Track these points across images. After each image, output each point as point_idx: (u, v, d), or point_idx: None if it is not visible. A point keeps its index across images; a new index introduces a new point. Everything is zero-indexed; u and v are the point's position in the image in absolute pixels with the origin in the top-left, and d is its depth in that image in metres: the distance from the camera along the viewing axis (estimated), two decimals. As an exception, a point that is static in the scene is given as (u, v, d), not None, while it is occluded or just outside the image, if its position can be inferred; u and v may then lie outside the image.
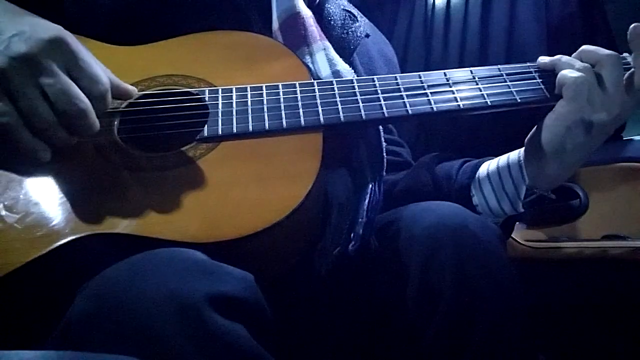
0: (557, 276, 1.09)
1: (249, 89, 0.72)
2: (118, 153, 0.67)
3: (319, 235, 0.69)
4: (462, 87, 0.75)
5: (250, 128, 0.68)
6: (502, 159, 0.82)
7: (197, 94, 0.72)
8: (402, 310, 0.66)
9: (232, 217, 0.61)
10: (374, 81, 0.74)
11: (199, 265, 0.54)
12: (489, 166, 0.83)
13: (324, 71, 0.80)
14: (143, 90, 0.72)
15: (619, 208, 1.11)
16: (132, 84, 0.72)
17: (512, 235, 1.10)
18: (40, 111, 0.59)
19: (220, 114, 0.69)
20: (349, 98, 0.72)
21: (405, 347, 0.66)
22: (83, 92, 0.61)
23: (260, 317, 0.55)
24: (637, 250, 1.02)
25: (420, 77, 0.75)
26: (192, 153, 0.67)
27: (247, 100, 0.70)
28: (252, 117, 0.69)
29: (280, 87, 0.72)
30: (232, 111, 0.69)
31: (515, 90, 0.75)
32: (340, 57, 0.83)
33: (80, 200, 0.62)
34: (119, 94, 0.67)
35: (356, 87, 0.73)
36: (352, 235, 0.68)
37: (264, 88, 0.72)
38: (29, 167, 0.63)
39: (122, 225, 0.60)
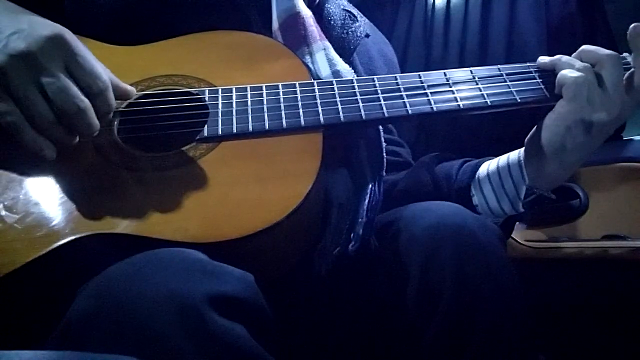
0: (557, 276, 1.09)
1: (248, 89, 0.72)
2: (118, 153, 0.67)
3: (319, 235, 0.69)
4: (462, 87, 0.75)
5: (250, 128, 0.68)
6: (502, 159, 0.82)
7: (197, 94, 0.72)
8: (402, 310, 0.66)
9: (232, 217, 0.61)
10: (373, 81, 0.74)
11: (199, 265, 0.54)
12: (489, 166, 0.83)
13: (324, 71, 0.80)
14: (143, 90, 0.72)
15: (619, 208, 1.12)
16: (132, 84, 0.72)
17: (512, 235, 1.10)
18: (39, 110, 0.59)
19: (220, 114, 0.69)
20: (349, 98, 0.72)
21: (405, 347, 0.66)
22: (83, 90, 0.61)
23: (260, 317, 0.55)
24: (637, 250, 1.02)
25: (420, 77, 0.75)
26: (192, 153, 0.67)
27: (247, 100, 0.70)
28: (252, 117, 0.69)
29: (280, 87, 0.72)
30: (232, 111, 0.69)
31: (515, 90, 0.75)
32: (340, 57, 0.83)
33: (80, 201, 0.62)
34: (117, 94, 0.67)
35: (356, 87, 0.73)
36: (352, 235, 0.68)
37: (263, 88, 0.72)
38: (33, 166, 0.63)
39: (122, 225, 0.60)
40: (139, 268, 0.53)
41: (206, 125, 0.69)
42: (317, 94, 0.72)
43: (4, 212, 0.60)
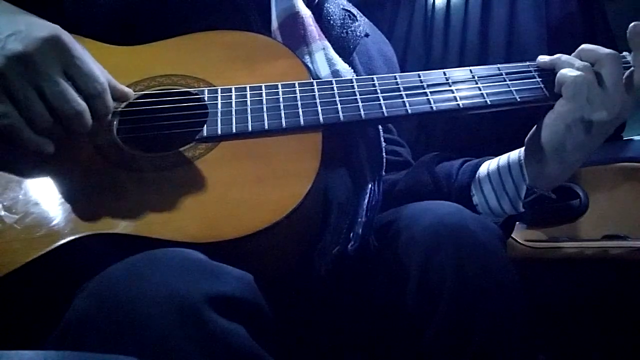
0: (557, 276, 1.09)
1: (248, 89, 0.72)
2: (118, 153, 0.67)
3: (319, 235, 0.69)
4: (462, 86, 0.75)
5: (250, 128, 0.68)
6: (503, 159, 0.82)
7: (197, 94, 0.72)
8: (402, 310, 0.66)
9: (231, 217, 0.61)
10: (373, 81, 0.74)
11: (198, 266, 0.54)
12: (489, 166, 0.83)
13: (323, 71, 0.80)
14: (142, 90, 0.72)
15: (619, 208, 1.11)
16: (131, 84, 0.72)
17: (512, 235, 1.10)
18: (37, 112, 0.60)
19: (219, 114, 0.69)
20: (348, 98, 0.72)
21: (405, 347, 0.66)
22: (79, 91, 0.61)
23: (259, 317, 0.55)
24: (637, 250, 1.01)
25: (419, 77, 0.75)
26: (191, 153, 0.67)
27: (246, 100, 0.70)
28: (251, 117, 0.69)
29: (280, 86, 0.72)
30: (231, 111, 0.69)
31: (515, 90, 0.75)
32: (340, 56, 0.83)
33: (80, 201, 0.62)
34: (115, 95, 0.67)
35: (355, 86, 0.73)
36: (351, 235, 0.68)
37: (263, 88, 0.72)
38: (32, 167, 0.63)
39: (121, 226, 0.60)
40: (139, 268, 0.53)
41: (205, 125, 0.69)
42: (317, 93, 0.72)
43: (3, 212, 0.60)
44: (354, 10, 0.97)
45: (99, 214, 0.61)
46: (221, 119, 0.69)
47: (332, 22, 0.90)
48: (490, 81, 0.75)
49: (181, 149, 0.67)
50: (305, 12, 0.85)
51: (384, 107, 0.72)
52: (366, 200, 0.71)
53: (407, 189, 0.86)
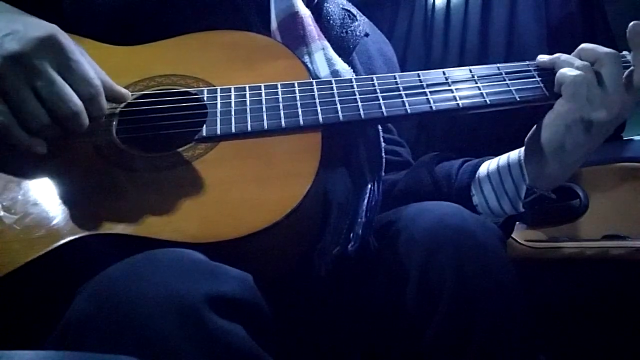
0: (557, 276, 1.09)
1: (247, 89, 0.71)
2: (117, 153, 0.67)
3: (318, 235, 0.69)
4: (461, 86, 0.75)
5: (249, 128, 0.68)
6: (502, 159, 0.82)
7: (196, 94, 0.72)
8: (402, 311, 0.66)
9: (231, 217, 0.61)
10: (372, 80, 0.74)
11: (198, 266, 0.54)
12: (489, 166, 0.82)
13: (323, 71, 0.80)
14: (141, 90, 0.72)
15: (619, 208, 1.11)
16: (130, 84, 0.72)
17: (512, 235, 1.10)
18: (33, 112, 0.60)
19: (218, 114, 0.69)
20: (348, 97, 0.72)
21: (405, 347, 0.66)
22: (73, 92, 0.61)
23: (259, 317, 0.55)
24: (638, 250, 1.01)
25: (419, 77, 0.75)
26: (190, 153, 0.67)
27: (245, 100, 0.70)
28: (250, 116, 0.69)
29: (279, 86, 0.72)
30: (230, 111, 0.69)
31: (515, 89, 0.74)
32: (339, 56, 0.83)
33: (79, 201, 0.62)
34: (112, 97, 0.67)
35: (355, 86, 0.73)
36: (351, 235, 0.68)
37: (262, 88, 0.72)
38: (31, 167, 0.63)
39: (121, 226, 0.60)
40: (138, 268, 0.53)
41: (205, 125, 0.69)
42: (316, 93, 0.72)
43: (2, 213, 0.60)
44: (354, 10, 0.97)
45: (98, 215, 0.61)
46: (220, 119, 0.69)
47: (331, 21, 0.90)
48: (489, 81, 0.75)
49: (180, 149, 0.67)
50: (305, 12, 0.85)
51: (383, 107, 0.72)
52: (366, 201, 0.71)
53: (407, 189, 0.86)
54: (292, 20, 0.83)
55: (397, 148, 0.96)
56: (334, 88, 0.73)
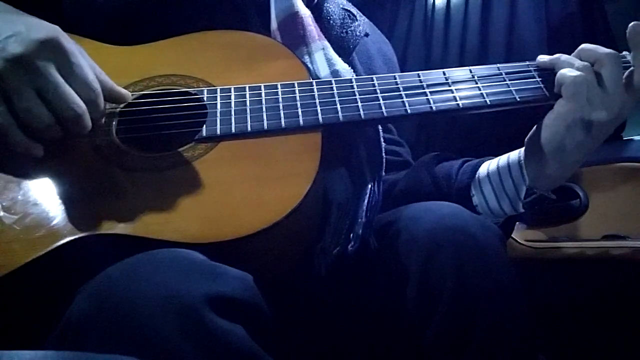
0: (557, 276, 1.09)
1: (247, 89, 0.71)
2: (117, 153, 0.67)
3: (318, 235, 0.69)
4: (461, 86, 0.75)
5: (249, 128, 0.68)
6: (502, 159, 0.82)
7: (196, 94, 0.72)
8: (402, 311, 0.66)
9: (230, 218, 0.61)
10: (372, 80, 0.74)
11: (198, 266, 0.54)
12: (489, 166, 0.83)
13: (323, 71, 0.80)
14: (142, 91, 0.72)
15: (619, 208, 1.11)
16: (130, 84, 0.72)
17: (512, 235, 1.10)
18: (37, 113, 0.60)
19: (218, 114, 0.69)
20: (347, 98, 0.72)
21: (405, 347, 0.66)
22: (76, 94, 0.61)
23: (259, 317, 0.55)
24: (638, 250, 1.01)
25: (419, 77, 0.75)
26: (190, 153, 0.67)
27: (245, 100, 0.70)
28: (250, 117, 0.69)
29: (279, 86, 0.72)
30: (230, 111, 0.69)
31: (515, 89, 0.74)
32: (340, 56, 0.83)
33: (79, 201, 0.62)
34: (112, 97, 0.67)
35: (355, 86, 0.73)
36: (351, 235, 0.68)
37: (262, 88, 0.72)
38: (31, 167, 0.63)
39: (121, 226, 0.60)
40: (138, 268, 0.53)
41: (205, 125, 0.69)
42: (316, 93, 0.72)
43: (2, 213, 0.60)
44: (354, 10, 0.97)
45: (98, 215, 0.61)
46: (220, 119, 0.69)
47: (331, 22, 0.90)
48: (490, 81, 0.75)
49: (180, 149, 0.67)
50: (305, 12, 0.85)
51: (383, 107, 0.72)
52: (366, 201, 0.71)
53: (407, 189, 0.86)
54: (292, 20, 0.83)
55: (397, 148, 0.96)
56: (334, 88, 0.73)
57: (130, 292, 0.50)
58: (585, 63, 0.73)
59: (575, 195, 1.13)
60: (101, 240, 0.59)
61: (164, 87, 0.73)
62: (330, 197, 0.72)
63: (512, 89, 0.74)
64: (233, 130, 0.68)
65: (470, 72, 0.76)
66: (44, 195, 0.62)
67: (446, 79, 0.75)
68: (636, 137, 1.20)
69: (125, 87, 0.70)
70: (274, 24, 0.84)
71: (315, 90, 0.72)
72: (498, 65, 0.77)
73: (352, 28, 0.92)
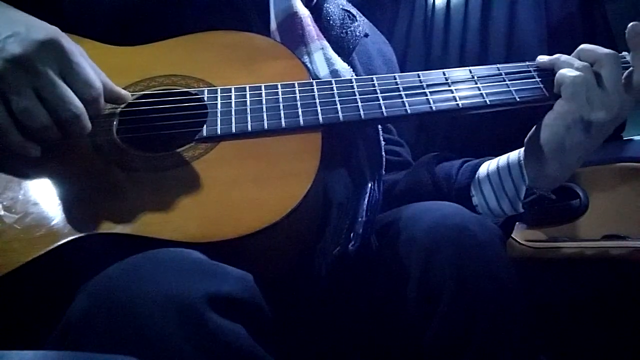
0: (557, 276, 1.09)
1: (247, 89, 0.72)
2: (117, 153, 0.67)
3: (319, 235, 0.69)
4: (461, 86, 0.75)
5: (249, 128, 0.68)
6: (502, 159, 0.82)
7: (196, 94, 0.72)
8: (402, 311, 0.66)
9: (231, 217, 0.61)
10: (372, 81, 0.74)
11: (198, 266, 0.54)
12: (488, 166, 0.83)
13: (322, 70, 0.80)
14: (142, 91, 0.72)
15: (619, 208, 1.11)
16: (130, 85, 0.72)
17: (512, 235, 1.10)
18: (35, 113, 0.60)
19: (219, 114, 0.69)
20: (348, 98, 0.72)
21: (405, 347, 0.66)
22: (75, 94, 0.61)
23: (259, 317, 0.55)
24: (638, 250, 1.01)
25: (419, 77, 0.75)
26: (190, 153, 0.67)
27: (246, 100, 0.70)
28: (250, 117, 0.69)
29: (279, 86, 0.72)
30: (230, 111, 0.70)
31: (514, 90, 0.75)
32: (339, 56, 0.83)
33: (80, 201, 0.62)
34: (112, 98, 0.67)
35: (355, 86, 0.73)
36: (351, 234, 0.68)
37: (262, 88, 0.72)
38: (32, 167, 0.63)
39: (121, 225, 0.60)
40: (138, 268, 0.53)
41: (205, 125, 0.69)
42: (316, 93, 0.72)
43: (3, 212, 0.60)
44: (354, 11, 0.97)
45: (98, 214, 0.61)
46: (221, 119, 0.69)
47: (331, 22, 0.90)
48: (489, 81, 0.75)
49: (181, 149, 0.67)
50: (304, 12, 0.85)
51: (383, 107, 0.72)
52: (366, 200, 0.71)
53: (407, 189, 0.86)
54: (291, 20, 0.83)
55: (397, 148, 0.96)
56: (334, 88, 0.73)
57: (131, 292, 0.50)
58: (585, 63, 0.73)
59: (575, 195, 1.13)
60: (101, 240, 0.59)
61: (164, 87, 0.73)
62: (330, 197, 0.72)
63: (511, 89, 0.75)
64: (233, 130, 0.68)
65: (470, 72, 0.77)
66: (44, 194, 0.62)
67: (446, 79, 0.75)
68: (636, 137, 1.20)
69: (125, 88, 0.70)
70: (273, 25, 0.84)
71: (315, 90, 0.72)
72: (498, 65, 0.77)
73: (352, 28, 0.92)
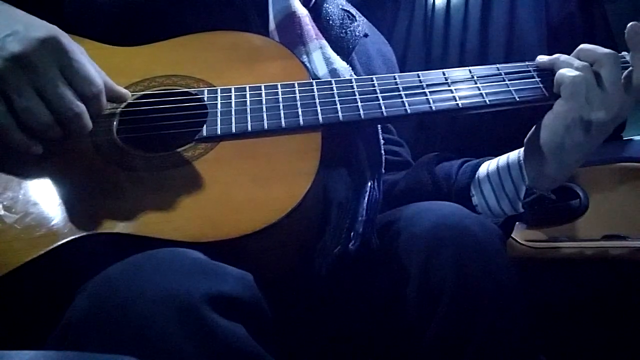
0: (557, 276, 1.09)
1: (247, 89, 0.72)
2: (117, 153, 0.67)
3: (319, 234, 0.69)
4: (461, 86, 0.75)
5: (249, 128, 0.68)
6: (502, 159, 0.82)
7: (196, 94, 0.72)
8: (402, 310, 0.66)
9: (231, 217, 0.61)
10: (372, 81, 0.74)
11: (198, 265, 0.54)
12: (488, 166, 0.83)
13: (321, 70, 0.80)
14: (142, 91, 0.72)
15: (619, 208, 1.11)
16: (130, 85, 0.72)
17: (512, 235, 1.10)
18: (36, 112, 0.60)
19: (219, 114, 0.69)
20: (347, 98, 0.72)
21: (405, 347, 0.66)
22: (76, 92, 0.61)
23: (259, 316, 0.55)
24: (638, 250, 1.01)
25: (419, 77, 0.75)
26: (190, 153, 0.67)
27: (246, 100, 0.71)
28: (250, 117, 0.69)
29: (279, 86, 0.72)
30: (230, 111, 0.70)
31: (514, 89, 0.75)
32: (339, 56, 0.83)
33: (80, 200, 0.62)
34: (112, 97, 0.67)
35: (355, 86, 0.73)
36: (352, 234, 0.68)
37: (262, 88, 0.72)
38: (32, 166, 0.63)
39: (121, 225, 0.60)
40: (138, 268, 0.53)
41: (205, 125, 0.69)
42: (316, 93, 0.72)
43: (3, 212, 0.60)
44: (353, 11, 0.97)
45: (98, 214, 0.61)
46: (221, 119, 0.69)
47: (331, 22, 0.91)
48: (489, 81, 0.75)
49: (181, 149, 0.67)
50: (302, 12, 0.85)
51: (383, 107, 0.72)
52: (366, 199, 0.71)
53: (407, 189, 0.86)
54: (289, 20, 0.83)
55: (397, 148, 0.96)
56: (334, 88, 0.73)
57: (131, 292, 0.50)
58: (585, 63, 0.73)
59: (575, 195, 1.13)
60: (101, 240, 0.59)
61: (164, 88, 0.73)
62: (330, 197, 0.72)
63: (511, 89, 0.75)
64: (233, 130, 0.68)
65: (470, 72, 0.77)
66: (44, 194, 0.62)
67: (446, 79, 0.75)
68: (636, 137, 1.20)
69: (125, 88, 0.70)
70: (272, 24, 0.84)
71: (315, 90, 0.72)
72: (497, 65, 0.77)
73: (352, 28, 0.92)
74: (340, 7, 0.95)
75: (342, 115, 0.70)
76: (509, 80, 0.76)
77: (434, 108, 0.73)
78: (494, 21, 1.31)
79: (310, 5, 0.91)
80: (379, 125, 0.78)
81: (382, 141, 0.77)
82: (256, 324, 0.53)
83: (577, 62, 0.73)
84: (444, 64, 1.31)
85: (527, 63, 0.78)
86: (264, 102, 0.70)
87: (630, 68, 0.73)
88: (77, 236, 0.59)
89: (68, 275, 0.56)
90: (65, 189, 0.63)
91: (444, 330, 0.63)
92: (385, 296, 0.68)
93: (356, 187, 0.73)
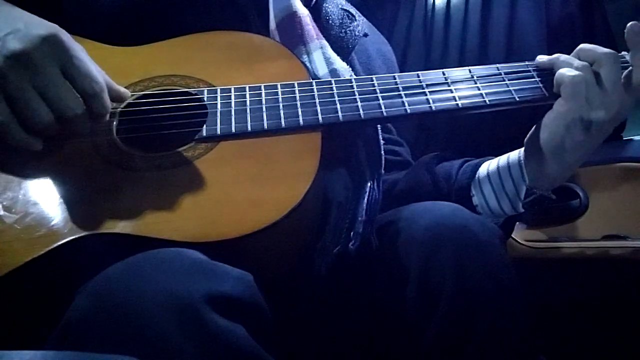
0: (557, 276, 1.09)
1: (247, 89, 0.72)
2: (117, 153, 0.67)
3: (319, 234, 0.69)
4: (461, 86, 0.75)
5: (249, 128, 0.68)
6: (502, 159, 0.82)
7: (196, 94, 0.72)
8: (402, 310, 0.66)
9: (231, 217, 0.61)
10: (372, 80, 0.74)
11: (198, 265, 0.54)
12: (489, 166, 0.83)
13: (321, 70, 0.80)
14: (142, 91, 0.72)
15: (619, 208, 1.11)
16: (130, 85, 0.72)
17: (512, 235, 1.10)
18: (37, 111, 0.60)
19: (219, 114, 0.69)
20: (347, 97, 0.72)
21: (405, 347, 0.66)
22: (77, 90, 0.61)
23: (259, 316, 0.55)
24: (638, 250, 1.01)
25: (418, 77, 0.75)
26: (190, 153, 0.67)
27: (245, 100, 0.71)
28: (250, 116, 0.69)
29: (279, 86, 0.72)
30: (230, 111, 0.70)
31: (514, 89, 0.75)
32: (339, 55, 0.83)
33: (80, 201, 0.62)
34: (112, 96, 0.67)
35: (355, 86, 0.73)
36: (351, 234, 0.68)
37: (262, 88, 0.72)
38: (32, 166, 0.63)
39: (121, 225, 0.60)
40: (138, 268, 0.53)
41: (205, 125, 0.69)
42: (316, 93, 0.72)
43: (3, 212, 0.60)
44: (353, 10, 0.97)
45: (98, 214, 0.61)
46: (220, 119, 0.69)
47: (330, 22, 0.91)
48: (489, 81, 0.75)
49: (180, 149, 0.67)
50: (303, 12, 0.85)
51: (383, 107, 0.72)
52: (366, 199, 0.71)
53: (407, 189, 0.86)
54: (290, 20, 0.83)
55: (397, 148, 0.96)
56: (334, 88, 0.73)
57: (131, 292, 0.50)
58: (584, 63, 0.73)
59: (575, 195, 1.13)
60: (101, 240, 0.59)
61: (164, 88, 0.73)
62: (330, 197, 0.72)
63: (511, 88, 0.75)
64: (233, 130, 0.68)
65: (470, 72, 0.77)
66: (44, 194, 0.62)
67: (445, 79, 0.75)
68: (636, 137, 1.20)
69: (125, 88, 0.70)
70: (272, 24, 0.84)
71: (315, 90, 0.72)
72: (497, 65, 0.77)
73: (351, 28, 0.92)
74: (340, 6, 0.95)
75: (342, 115, 0.70)
76: (509, 80, 0.76)
77: (433, 108, 0.73)
78: (494, 21, 1.31)
79: (312, 5, 0.91)
80: (379, 125, 0.78)
81: (382, 141, 0.77)
82: (256, 324, 0.53)
83: (577, 62, 0.73)
84: (444, 64, 1.31)
85: (527, 63, 0.78)
86: (263, 102, 0.70)
87: (630, 68, 0.73)
88: (77, 236, 0.59)
89: (68, 275, 0.56)
90: (65, 189, 0.63)
91: (443, 330, 0.63)
92: (384, 296, 0.68)
93: (356, 187, 0.73)
